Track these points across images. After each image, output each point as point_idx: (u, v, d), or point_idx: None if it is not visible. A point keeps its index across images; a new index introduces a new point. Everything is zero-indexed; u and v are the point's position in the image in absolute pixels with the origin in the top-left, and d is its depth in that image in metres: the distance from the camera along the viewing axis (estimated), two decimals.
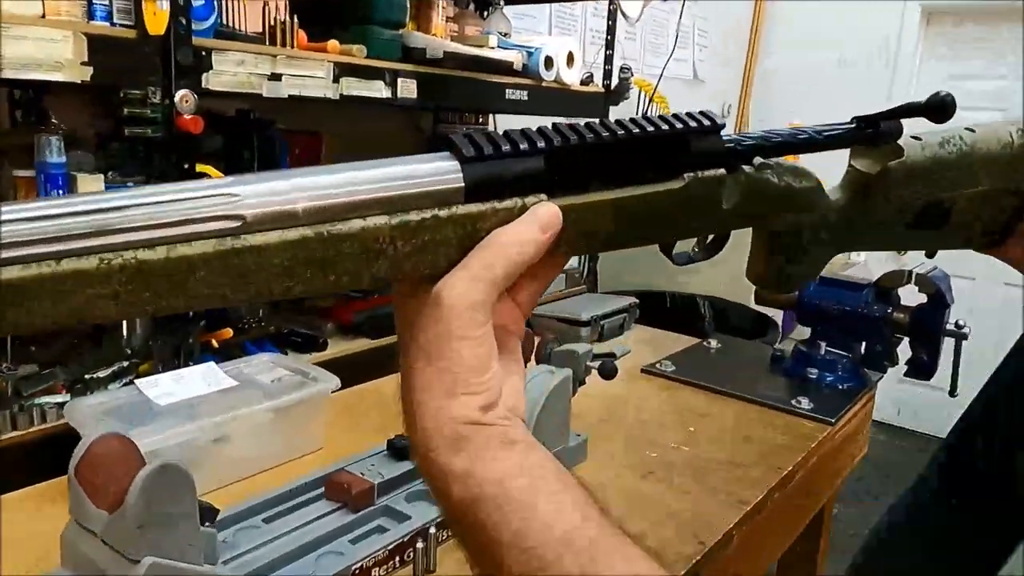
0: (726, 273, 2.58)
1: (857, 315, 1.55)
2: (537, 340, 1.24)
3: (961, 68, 3.80)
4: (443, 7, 1.98)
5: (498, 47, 1.80)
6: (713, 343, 1.85)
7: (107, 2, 1.09)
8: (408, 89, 1.52)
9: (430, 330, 0.40)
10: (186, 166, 1.19)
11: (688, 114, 0.50)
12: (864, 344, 1.59)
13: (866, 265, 2.60)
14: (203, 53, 1.18)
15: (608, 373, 1.20)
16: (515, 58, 1.77)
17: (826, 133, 0.58)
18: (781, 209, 0.56)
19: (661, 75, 2.78)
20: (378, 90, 1.46)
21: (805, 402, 1.45)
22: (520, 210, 0.43)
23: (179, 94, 1.13)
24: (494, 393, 0.42)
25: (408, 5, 1.65)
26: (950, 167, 0.64)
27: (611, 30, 2.20)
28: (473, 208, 0.41)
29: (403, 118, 2.18)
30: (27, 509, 0.96)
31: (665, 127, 0.48)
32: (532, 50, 1.85)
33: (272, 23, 1.33)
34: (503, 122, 2.35)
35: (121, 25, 1.11)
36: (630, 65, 2.26)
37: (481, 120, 2.31)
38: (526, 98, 1.85)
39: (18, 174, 1.12)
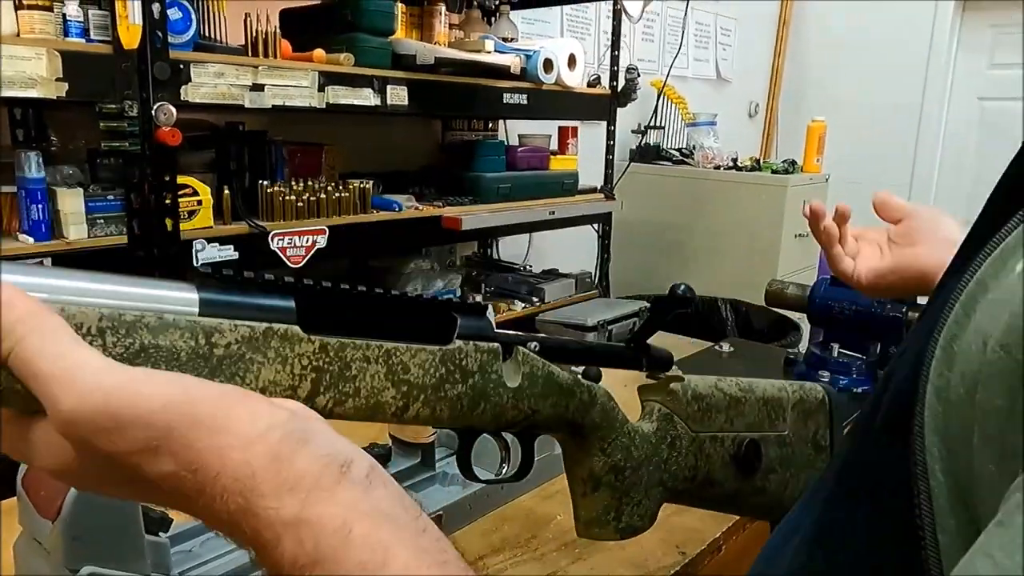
0: (748, 276, 2.52)
1: (871, 315, 1.49)
2: None
3: (1001, 56, 3.65)
4: (445, 14, 1.98)
5: (495, 51, 1.78)
6: (726, 347, 1.80)
7: (82, 18, 1.11)
8: (398, 96, 1.52)
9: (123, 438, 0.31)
10: (167, 178, 1.20)
11: (452, 298, 0.50)
12: (879, 345, 1.53)
13: None
14: (181, 66, 1.19)
15: (592, 377, 1.18)
16: (512, 62, 1.75)
17: (601, 348, 0.59)
18: (576, 407, 0.54)
19: (668, 73, 2.74)
20: (366, 98, 1.46)
21: None
22: (266, 332, 0.37)
23: (156, 108, 1.14)
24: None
25: (397, 12, 1.65)
26: (738, 401, 0.63)
27: (616, 31, 2.17)
28: (209, 320, 0.36)
29: (409, 128, 2.18)
30: None
31: (427, 299, 0.47)
32: (530, 53, 1.83)
33: (254, 34, 1.34)
34: (513, 127, 2.33)
35: (98, 41, 1.13)
36: (636, 66, 2.22)
37: (491, 127, 2.30)
38: (526, 102, 1.83)
39: (2, 190, 1.15)
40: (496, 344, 0.48)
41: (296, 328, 0.39)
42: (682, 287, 0.56)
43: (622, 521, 0.59)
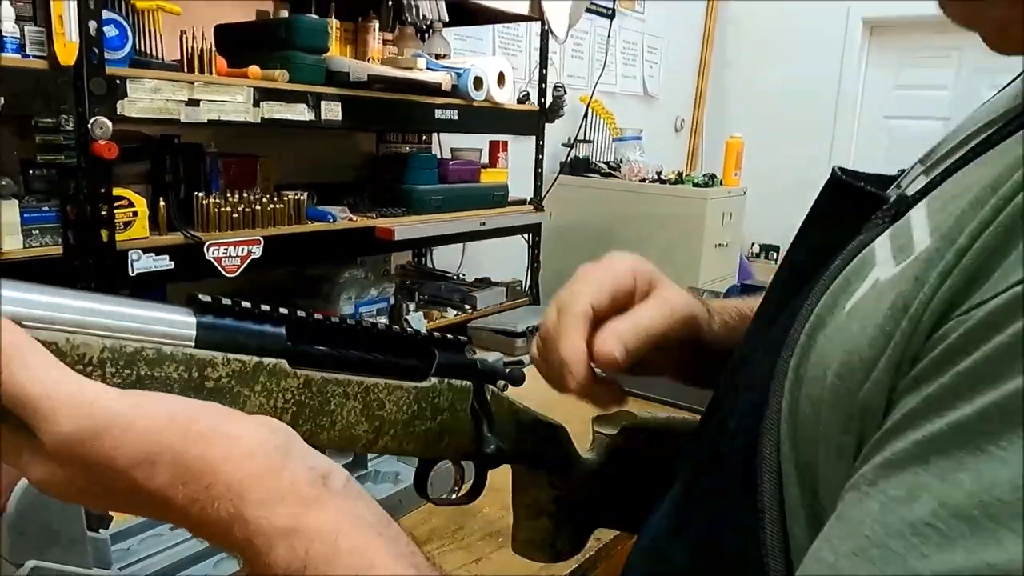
0: (677, 281, 2.64)
1: None
2: None
3: (907, 78, 3.91)
4: (378, 31, 2.04)
5: (426, 68, 1.85)
6: None
7: (18, 34, 1.13)
8: (332, 111, 1.57)
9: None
10: (102, 190, 1.23)
11: (435, 333, 0.51)
12: None
13: None
14: (117, 81, 1.22)
15: (515, 380, 1.25)
16: (443, 79, 1.83)
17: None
18: (533, 443, 0.57)
19: (593, 89, 2.88)
20: (300, 113, 1.51)
21: None
22: (255, 367, 0.40)
23: (92, 122, 1.17)
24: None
25: (331, 31, 1.71)
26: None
27: (544, 50, 2.27)
28: (201, 352, 0.38)
29: (343, 140, 2.23)
30: None
31: (410, 333, 0.49)
32: (461, 71, 1.90)
33: (190, 51, 1.38)
34: (445, 140, 2.41)
35: (34, 56, 1.16)
36: (564, 84, 2.33)
37: (424, 139, 2.37)
38: (456, 117, 1.90)
39: None
40: (468, 384, 0.51)
41: (284, 363, 0.41)
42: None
43: (556, 547, 0.62)
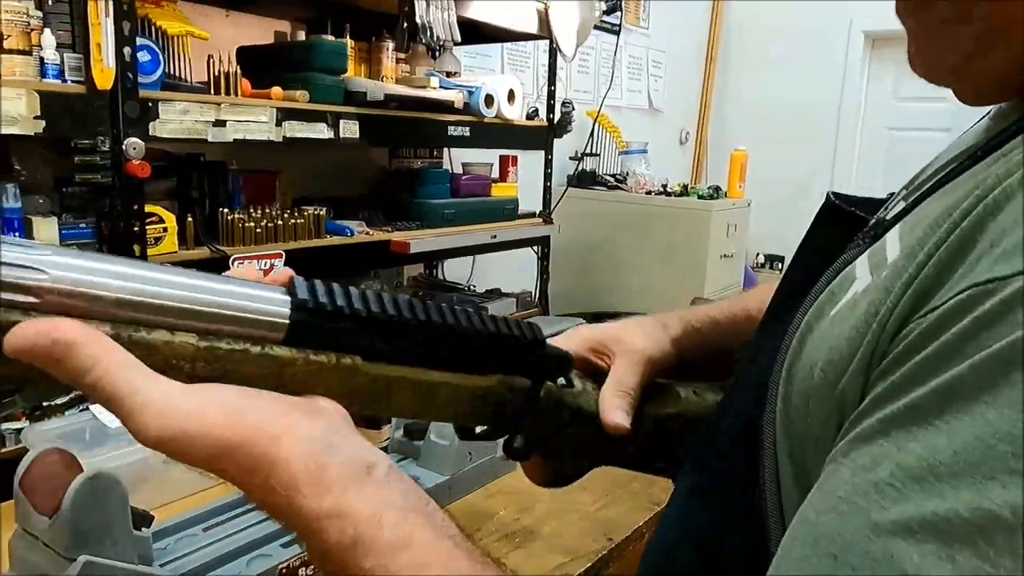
0: (677, 294, 2.70)
1: None
2: None
3: (907, 90, 3.97)
4: (392, 50, 2.11)
5: (439, 87, 1.91)
6: None
7: (58, 61, 1.20)
8: (351, 130, 1.64)
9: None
10: (135, 207, 1.29)
11: (516, 323, 0.51)
12: None
13: None
14: (149, 104, 1.29)
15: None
16: (455, 97, 1.89)
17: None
18: (564, 419, 0.58)
19: (601, 104, 2.94)
20: (320, 131, 1.57)
21: None
22: (332, 366, 0.42)
23: (126, 143, 1.23)
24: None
25: (348, 53, 1.77)
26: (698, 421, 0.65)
27: (552, 67, 2.33)
28: (285, 352, 0.41)
29: (357, 153, 2.29)
30: None
31: (492, 329, 0.49)
32: (472, 89, 1.97)
33: (217, 73, 1.45)
34: (457, 155, 2.47)
35: (73, 82, 1.22)
36: (572, 99, 2.39)
37: (436, 154, 2.43)
38: (468, 134, 1.97)
39: None
40: (527, 384, 0.52)
41: (359, 360, 0.43)
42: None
43: (552, 481, 0.65)
